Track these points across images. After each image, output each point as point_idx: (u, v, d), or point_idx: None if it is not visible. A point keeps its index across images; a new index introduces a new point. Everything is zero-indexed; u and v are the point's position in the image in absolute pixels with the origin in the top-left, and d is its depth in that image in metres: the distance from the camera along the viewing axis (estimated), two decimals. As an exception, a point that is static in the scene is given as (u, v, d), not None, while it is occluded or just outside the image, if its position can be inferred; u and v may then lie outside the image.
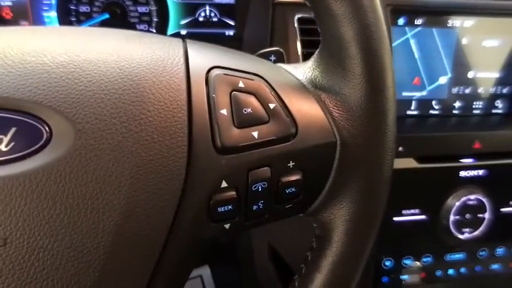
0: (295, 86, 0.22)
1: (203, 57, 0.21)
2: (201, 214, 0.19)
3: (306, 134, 0.21)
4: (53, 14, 0.50)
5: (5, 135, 0.17)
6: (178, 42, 0.21)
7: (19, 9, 0.50)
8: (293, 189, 0.21)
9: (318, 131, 0.21)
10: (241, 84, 0.20)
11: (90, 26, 0.51)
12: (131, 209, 0.18)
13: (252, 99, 0.20)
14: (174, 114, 0.18)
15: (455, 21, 0.49)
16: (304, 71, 0.23)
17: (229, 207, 0.20)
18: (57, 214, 0.17)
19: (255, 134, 0.20)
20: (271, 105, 0.20)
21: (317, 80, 0.22)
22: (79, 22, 0.50)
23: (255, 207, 0.20)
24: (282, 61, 0.28)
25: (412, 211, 0.47)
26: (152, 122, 0.18)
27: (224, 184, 0.19)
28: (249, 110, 0.20)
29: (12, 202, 0.16)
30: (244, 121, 0.20)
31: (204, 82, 0.20)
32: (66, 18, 0.50)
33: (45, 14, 0.50)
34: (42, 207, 0.16)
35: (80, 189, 0.17)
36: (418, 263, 0.50)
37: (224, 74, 0.20)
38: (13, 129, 0.17)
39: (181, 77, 0.19)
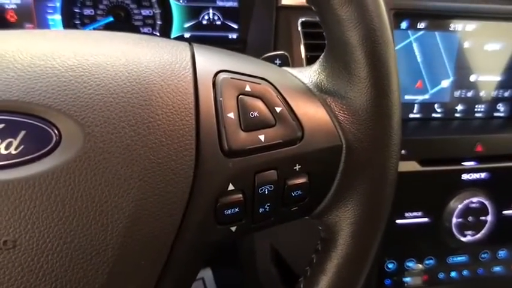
0: (301, 89, 0.22)
1: (210, 61, 0.21)
2: (208, 217, 0.19)
3: (312, 138, 0.21)
4: (58, 17, 0.50)
5: (15, 138, 0.17)
6: (185, 46, 0.21)
7: (24, 12, 0.50)
8: (299, 192, 0.21)
9: (323, 135, 0.21)
10: (248, 88, 0.20)
11: (94, 29, 0.51)
12: (139, 211, 0.18)
13: (259, 103, 0.20)
14: (182, 118, 0.19)
15: (457, 25, 0.49)
16: (309, 74, 0.23)
17: (236, 209, 0.20)
18: (66, 217, 0.17)
19: (262, 137, 0.20)
20: (278, 109, 0.21)
21: (322, 83, 0.23)
22: (83, 25, 0.51)
23: (261, 210, 0.21)
24: (287, 65, 0.28)
25: (415, 214, 0.47)
26: (160, 125, 0.18)
27: (231, 187, 0.19)
28: (255, 113, 0.20)
29: (21, 205, 0.16)
30: (251, 124, 0.20)
31: (212, 86, 0.20)
32: (70, 21, 0.50)
33: (49, 17, 0.50)
34: (51, 210, 0.17)
35: (88, 192, 0.17)
36: (420, 266, 0.50)
37: (231, 78, 0.20)
38: (22, 133, 0.17)
39: (188, 81, 0.19)
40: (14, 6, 0.50)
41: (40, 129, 0.17)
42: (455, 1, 0.48)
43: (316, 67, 0.24)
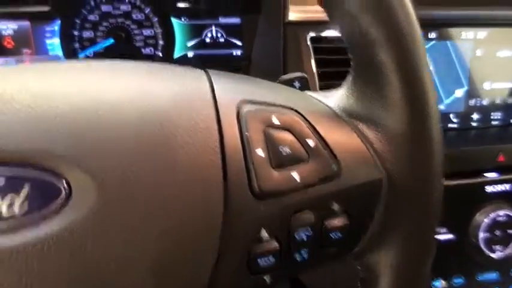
0: (329, 116, 0.21)
1: (230, 91, 0.19)
2: (240, 268, 0.17)
3: (349, 172, 0.19)
4: (56, 40, 0.49)
5: (18, 195, 0.14)
6: (201, 74, 0.20)
7: (21, 37, 0.48)
8: (338, 234, 0.19)
9: (361, 167, 0.19)
10: (274, 120, 0.18)
11: (94, 51, 0.49)
12: (163, 270, 0.15)
13: (288, 136, 0.18)
14: (206, 158, 0.16)
15: (468, 33, 0.48)
16: (336, 99, 0.22)
17: (271, 258, 0.18)
18: (80, 283, 0.14)
19: (295, 174, 0.18)
20: (309, 141, 0.19)
21: (352, 109, 0.21)
22: (83, 48, 0.49)
23: (298, 257, 0.18)
24: (308, 88, 0.26)
25: (439, 230, 0.45)
26: (182, 169, 0.16)
27: (264, 233, 0.17)
28: (285, 148, 0.18)
29: (27, 273, 0.14)
30: (282, 161, 0.18)
31: (236, 119, 0.18)
32: (69, 44, 0.49)
33: (48, 41, 0.49)
34: (62, 278, 0.14)
35: (104, 253, 0.15)
36: (448, 285, 0.47)
37: (256, 109, 0.18)
38: (26, 188, 0.15)
39: (210, 116, 0.17)
40: (11, 32, 0.48)
41: (46, 183, 0.15)
42: (464, 9, 0.47)
43: (343, 91, 0.22)
